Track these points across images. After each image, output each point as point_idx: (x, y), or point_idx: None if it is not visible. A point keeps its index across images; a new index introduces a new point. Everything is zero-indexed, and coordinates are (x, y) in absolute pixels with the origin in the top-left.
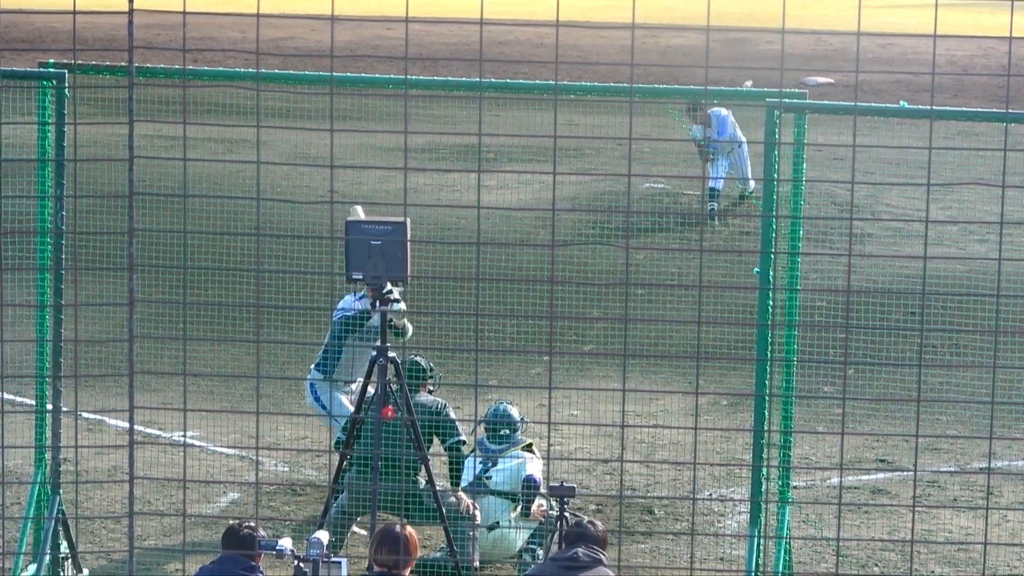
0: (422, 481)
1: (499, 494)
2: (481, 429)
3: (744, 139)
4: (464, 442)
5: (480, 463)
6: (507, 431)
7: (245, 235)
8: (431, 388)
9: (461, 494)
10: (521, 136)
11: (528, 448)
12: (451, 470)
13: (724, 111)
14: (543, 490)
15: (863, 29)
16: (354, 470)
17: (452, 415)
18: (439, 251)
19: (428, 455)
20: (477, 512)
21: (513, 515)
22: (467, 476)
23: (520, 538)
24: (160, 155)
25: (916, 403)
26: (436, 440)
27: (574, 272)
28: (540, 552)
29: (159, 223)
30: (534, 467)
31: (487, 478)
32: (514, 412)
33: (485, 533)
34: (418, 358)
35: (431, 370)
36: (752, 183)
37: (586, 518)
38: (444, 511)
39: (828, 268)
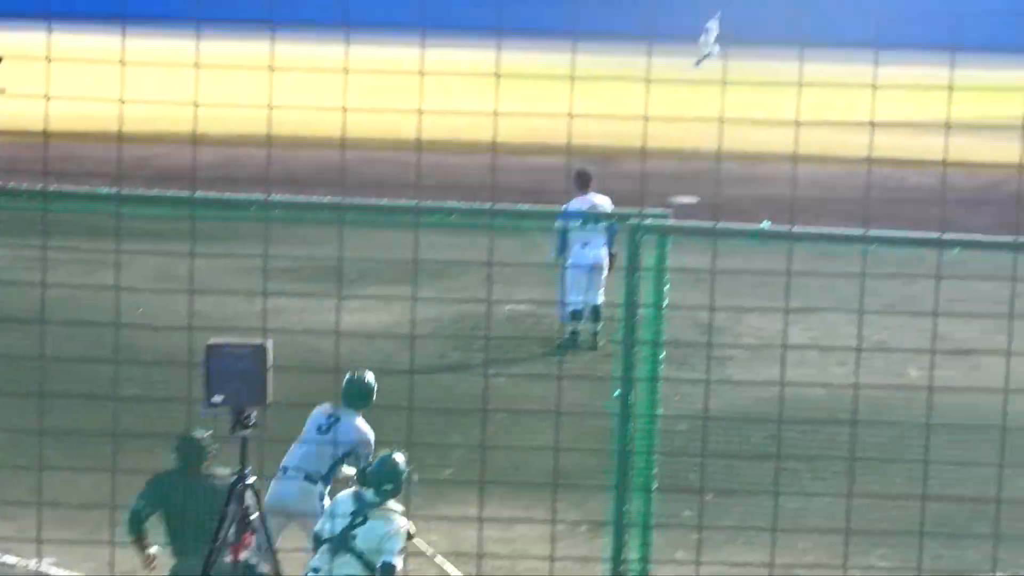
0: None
1: (359, 557)
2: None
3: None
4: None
5: (351, 514)
6: (389, 486)
7: (104, 362)
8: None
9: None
10: (379, 260)
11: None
12: None
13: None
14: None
15: (726, 149)
16: None
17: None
18: (301, 375)
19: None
20: None
21: None
22: (330, 524)
23: None
24: (19, 277)
25: (772, 532)
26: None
27: (434, 397)
28: None
29: (15, 348)
30: (397, 553)
31: (352, 535)
32: (400, 462)
33: None
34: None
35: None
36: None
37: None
38: None
39: (689, 392)
